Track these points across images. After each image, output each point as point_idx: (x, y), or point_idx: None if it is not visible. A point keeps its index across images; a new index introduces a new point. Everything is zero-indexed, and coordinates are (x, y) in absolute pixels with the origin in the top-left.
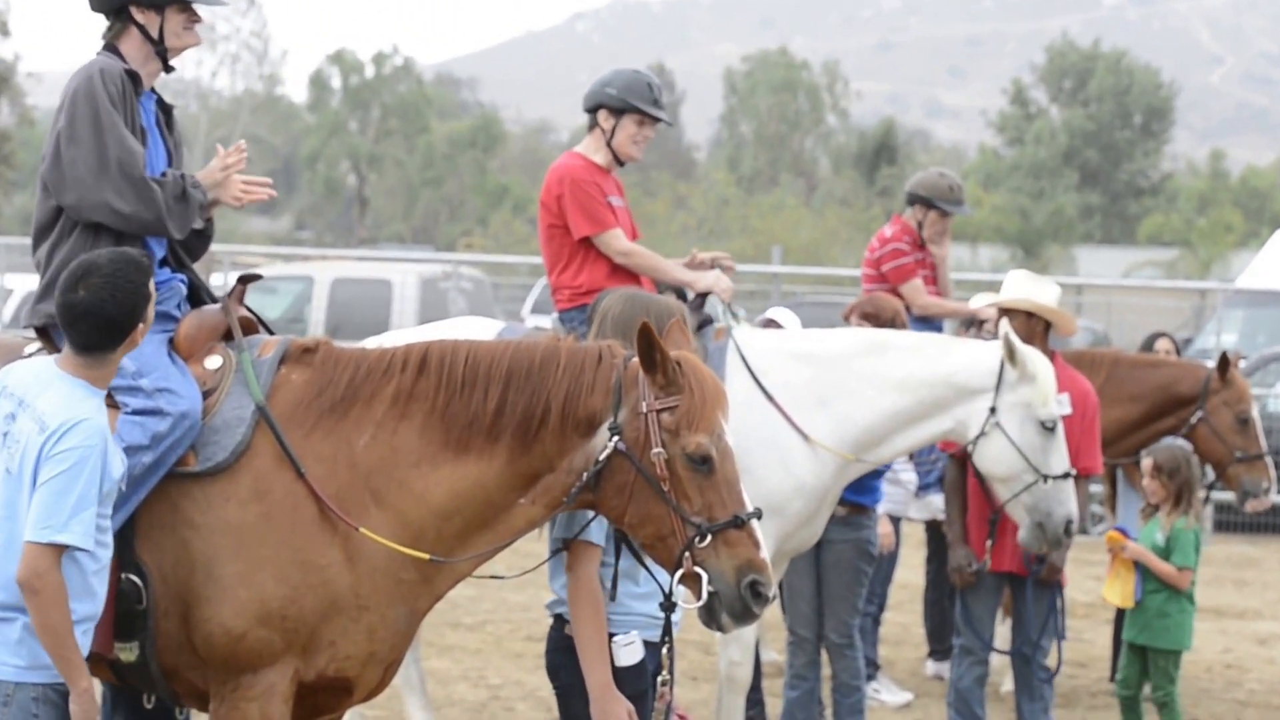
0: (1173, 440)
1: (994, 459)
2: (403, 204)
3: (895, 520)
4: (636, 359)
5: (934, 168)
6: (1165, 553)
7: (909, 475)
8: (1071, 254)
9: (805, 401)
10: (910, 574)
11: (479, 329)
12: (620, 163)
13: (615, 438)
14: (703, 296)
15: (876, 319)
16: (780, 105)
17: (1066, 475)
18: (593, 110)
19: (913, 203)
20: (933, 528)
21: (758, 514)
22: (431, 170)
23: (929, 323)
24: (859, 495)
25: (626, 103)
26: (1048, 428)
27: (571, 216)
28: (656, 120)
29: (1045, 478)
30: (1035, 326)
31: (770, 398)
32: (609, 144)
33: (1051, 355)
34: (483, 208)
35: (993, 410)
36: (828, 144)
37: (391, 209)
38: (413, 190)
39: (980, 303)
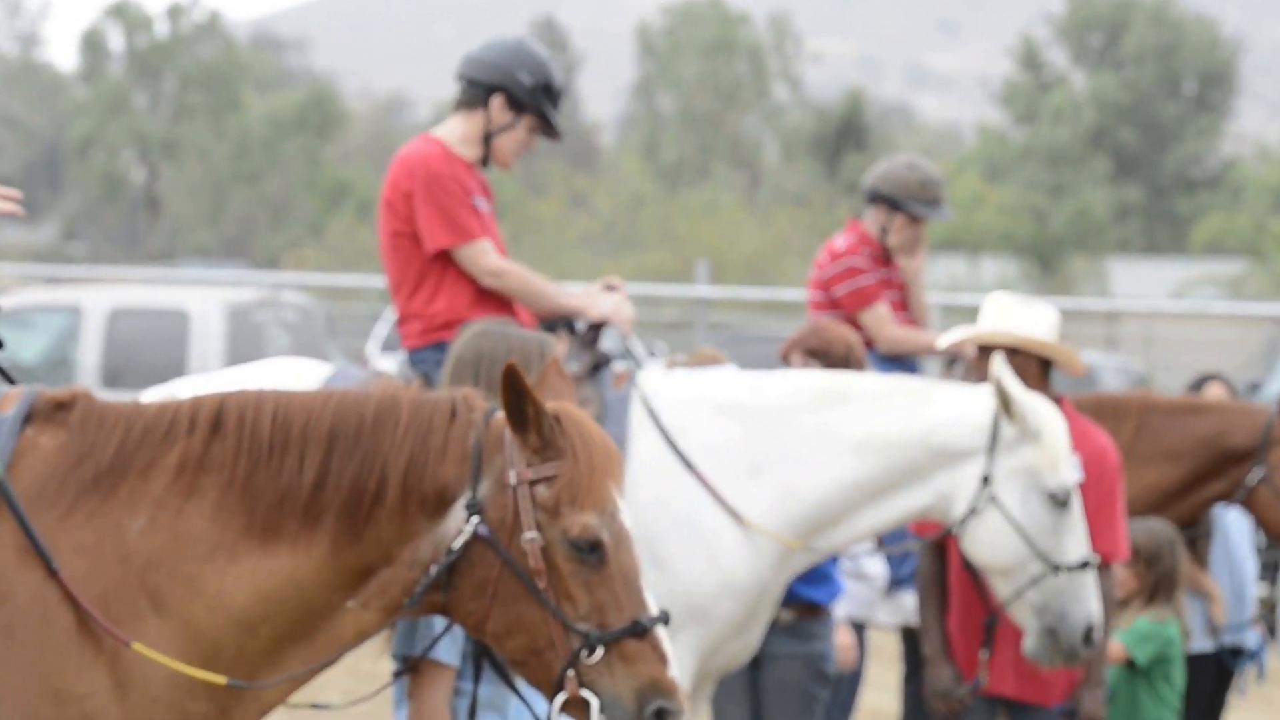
0: (1154, 522)
1: (989, 544)
2: (207, 206)
3: (859, 627)
4: (501, 414)
5: (903, 156)
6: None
7: (876, 567)
8: (1102, 268)
9: (735, 469)
10: (881, 698)
11: (300, 374)
12: (485, 163)
13: (474, 518)
14: (597, 329)
15: (825, 357)
16: (712, 72)
17: (1085, 565)
18: (483, 88)
19: (874, 202)
20: (909, 636)
21: (665, 618)
22: (246, 161)
23: (898, 362)
24: (810, 593)
25: (537, 101)
26: (1059, 501)
27: (425, 222)
28: (553, 134)
29: (1057, 568)
30: (1027, 366)
31: (688, 464)
32: (488, 139)
33: (1058, 402)
34: (316, 211)
35: (986, 480)
36: (776, 123)
37: (192, 213)
38: (221, 188)
39: (951, 338)
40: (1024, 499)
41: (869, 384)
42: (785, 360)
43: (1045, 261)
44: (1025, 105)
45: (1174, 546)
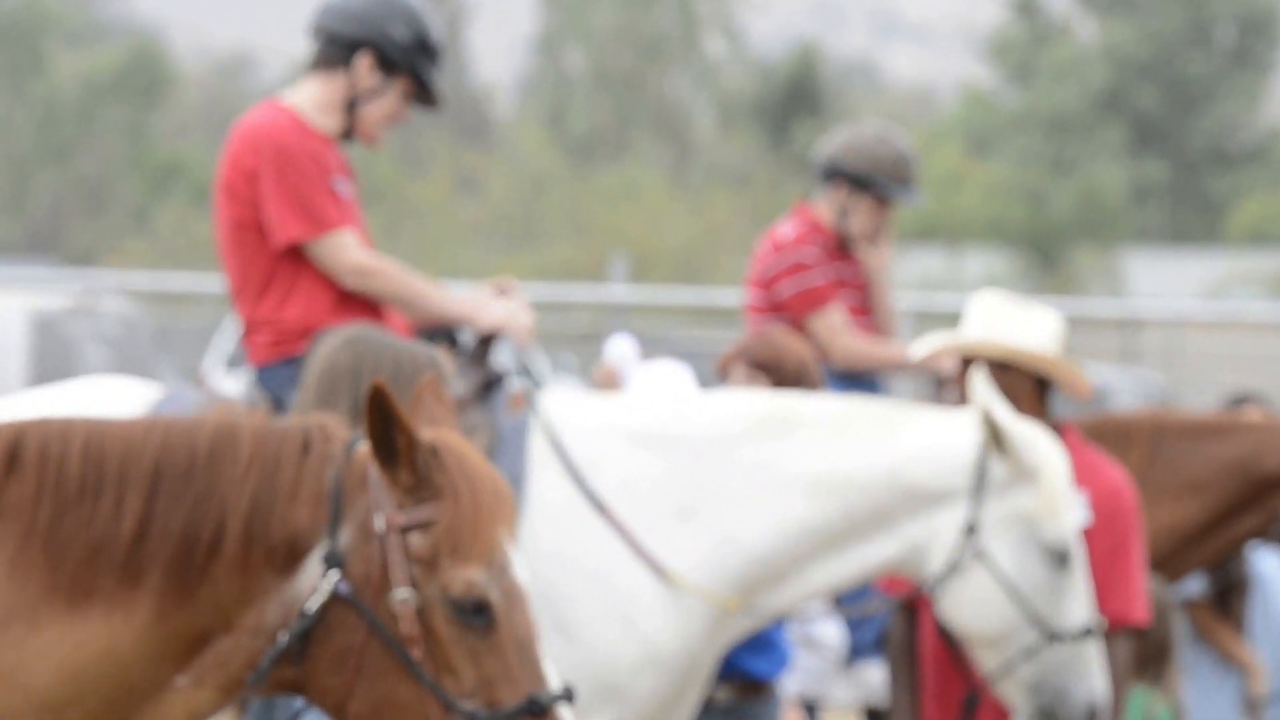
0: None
1: (974, 608)
2: (6, 190)
3: (810, 707)
4: (366, 446)
5: (869, 125)
6: None
7: (831, 633)
8: (1116, 263)
9: (658, 512)
10: None
11: (120, 398)
12: (348, 136)
13: (333, 574)
14: (488, 340)
15: (774, 372)
16: (631, 23)
17: (1088, 632)
18: (345, 44)
19: (831, 181)
20: (873, 717)
21: (570, 696)
22: (54, 133)
23: (857, 380)
24: (752, 665)
25: (411, 61)
26: (1059, 555)
27: (274, 210)
28: (431, 101)
29: (1056, 636)
30: (1020, 385)
31: (601, 506)
32: (351, 106)
33: (1060, 430)
34: (141, 195)
35: (971, 529)
36: (710, 86)
37: None
38: (22, 167)
39: (924, 349)
40: (1018, 553)
41: (822, 409)
42: (724, 375)
43: (1045, 254)
44: (1020, 61)
45: (1167, 613)
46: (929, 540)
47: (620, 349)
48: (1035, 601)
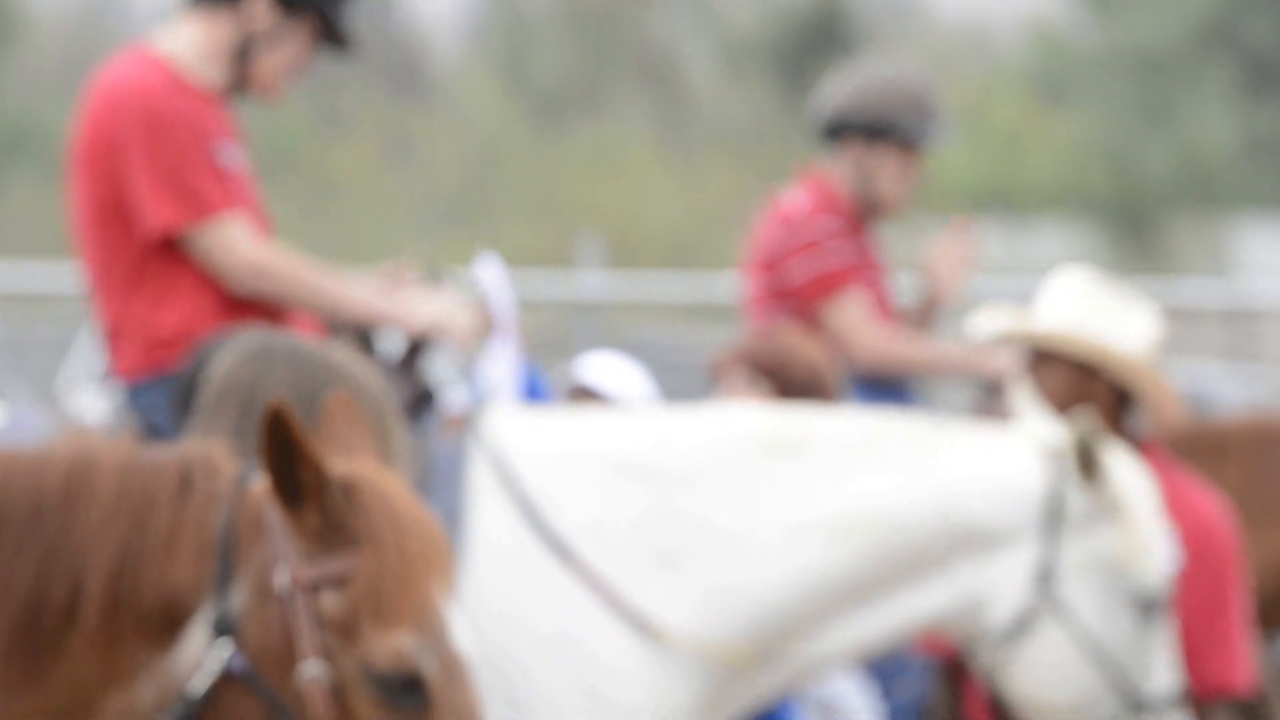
0: None
1: (1046, 672)
2: None
3: None
4: (263, 482)
5: (865, 64)
6: None
7: (853, 699)
8: (1223, 234)
9: (635, 558)
10: None
11: None
12: (238, 89)
13: (223, 643)
14: (418, 347)
15: (778, 379)
16: None
17: (1178, 702)
18: None
19: (838, 136)
20: None
21: None
22: None
23: (887, 387)
24: None
25: None
26: (1146, 605)
27: (143, 188)
28: (343, 43)
29: (1140, 707)
30: (1095, 392)
31: (563, 551)
32: (244, 54)
33: (1147, 450)
34: None
35: (1044, 575)
36: (708, 25)
37: None
38: None
39: (983, 331)
40: (1100, 604)
41: (842, 426)
42: (718, 382)
43: (1134, 226)
44: None
45: (1272, 674)
46: (986, 590)
47: (600, 367)
48: (1120, 663)
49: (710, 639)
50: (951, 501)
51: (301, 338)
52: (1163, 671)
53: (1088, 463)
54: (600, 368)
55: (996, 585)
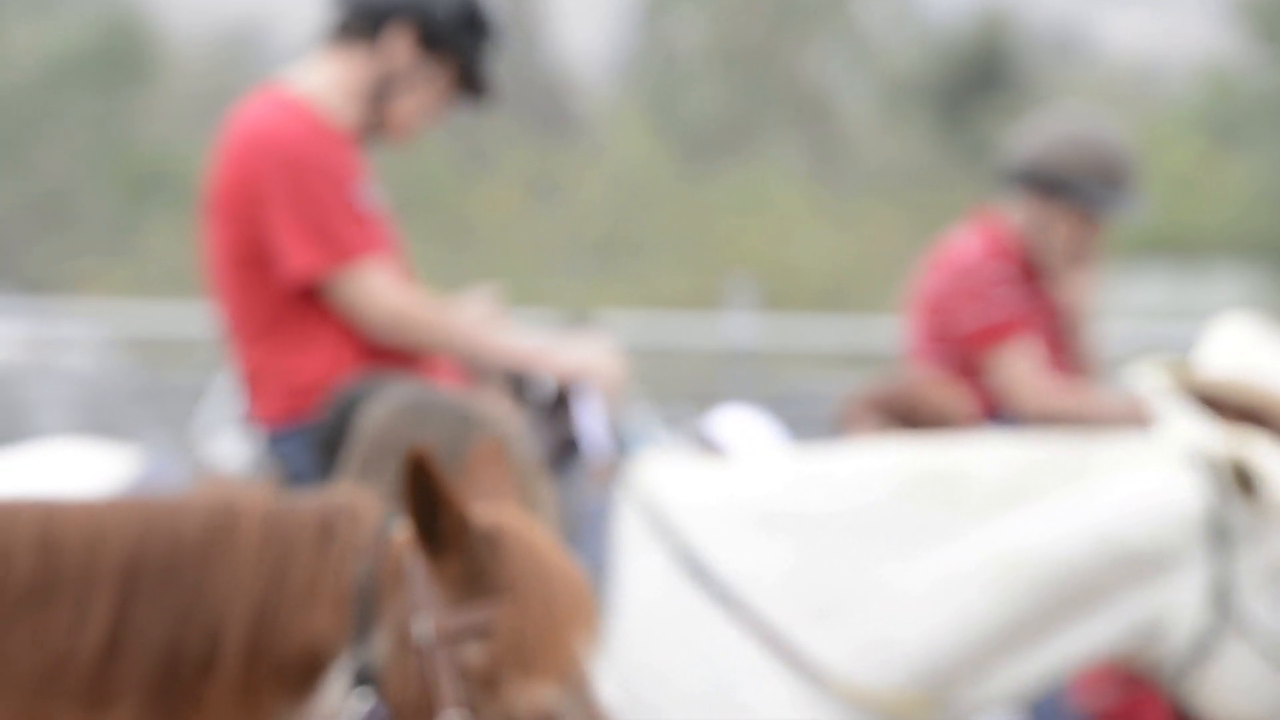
0: None
1: (1241, 691)
2: None
3: None
4: (405, 531)
5: (1072, 115)
6: None
7: None
8: None
9: (795, 608)
10: None
11: (88, 468)
12: (373, 130)
13: (363, 694)
14: (566, 395)
15: (908, 424)
16: None
17: None
18: (375, 15)
19: (1023, 184)
20: None
21: None
22: (3, 122)
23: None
24: None
25: (462, 41)
26: None
27: (282, 233)
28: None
29: None
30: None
31: (731, 602)
32: (379, 96)
33: None
34: (118, 207)
35: (1221, 592)
36: (862, 62)
37: None
38: None
39: (1144, 386)
40: None
41: (989, 459)
42: (846, 429)
43: None
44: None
45: None
46: (1161, 616)
47: (729, 421)
48: None
49: (877, 689)
50: (1109, 531)
51: (448, 389)
52: None
53: (1245, 473)
54: (729, 422)
55: (1171, 610)
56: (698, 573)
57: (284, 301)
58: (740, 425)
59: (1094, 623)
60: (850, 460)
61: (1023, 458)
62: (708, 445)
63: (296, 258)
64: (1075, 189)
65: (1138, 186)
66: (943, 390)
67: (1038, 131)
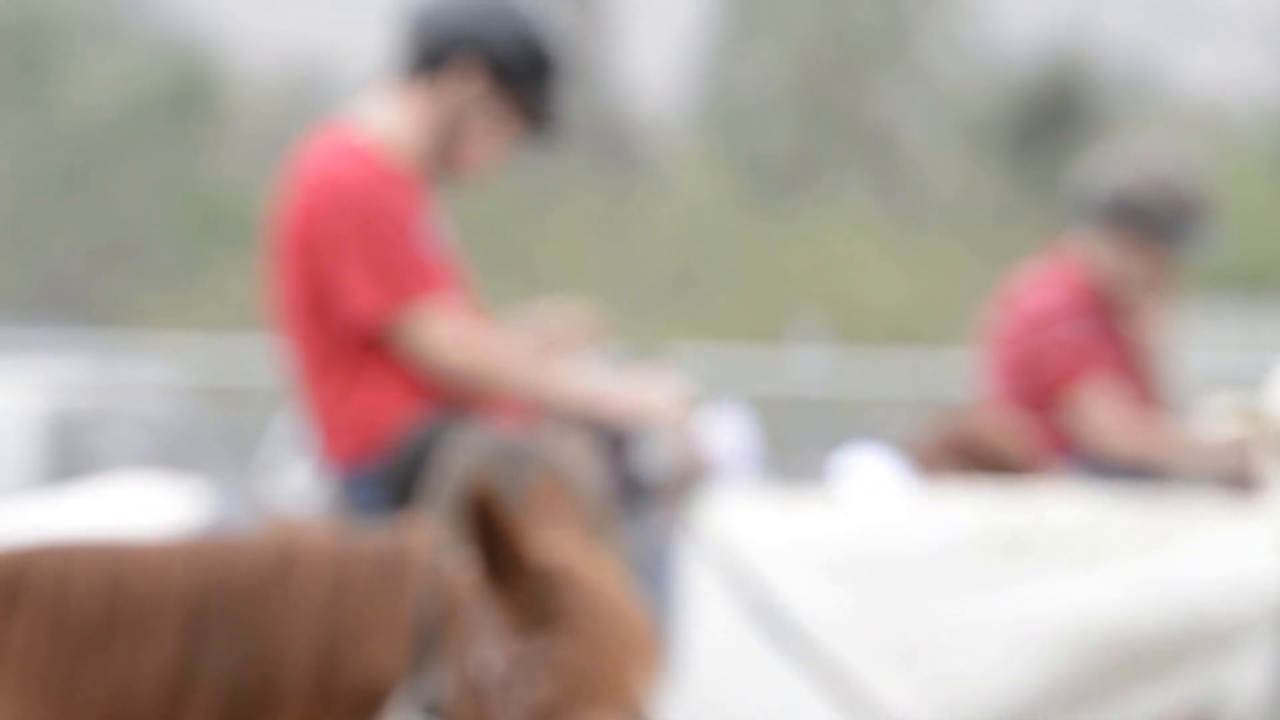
0: None
1: None
2: (8, 234)
3: None
4: (463, 566)
5: (1151, 150)
6: None
7: None
8: None
9: (862, 651)
10: None
11: (155, 505)
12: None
13: None
14: (630, 434)
15: (978, 460)
16: (832, 21)
17: None
18: (441, 51)
19: (1102, 220)
20: None
21: None
22: (74, 159)
23: (1120, 472)
24: None
25: (528, 80)
26: None
27: (348, 277)
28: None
29: None
30: None
31: (804, 645)
32: (448, 136)
33: None
34: (185, 244)
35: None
36: (933, 96)
37: None
38: (29, 204)
39: (1219, 416)
40: None
41: (1067, 518)
42: (914, 468)
43: None
44: None
45: None
46: (1221, 691)
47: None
48: None
49: None
50: (1182, 603)
51: (524, 433)
52: None
53: None
54: (856, 463)
55: (1232, 687)
56: (766, 613)
57: (350, 342)
58: (867, 466)
59: (1157, 690)
60: (930, 508)
61: (1101, 520)
62: (834, 484)
63: (360, 300)
64: (1152, 222)
65: (1211, 220)
66: (1011, 433)
67: (1112, 164)
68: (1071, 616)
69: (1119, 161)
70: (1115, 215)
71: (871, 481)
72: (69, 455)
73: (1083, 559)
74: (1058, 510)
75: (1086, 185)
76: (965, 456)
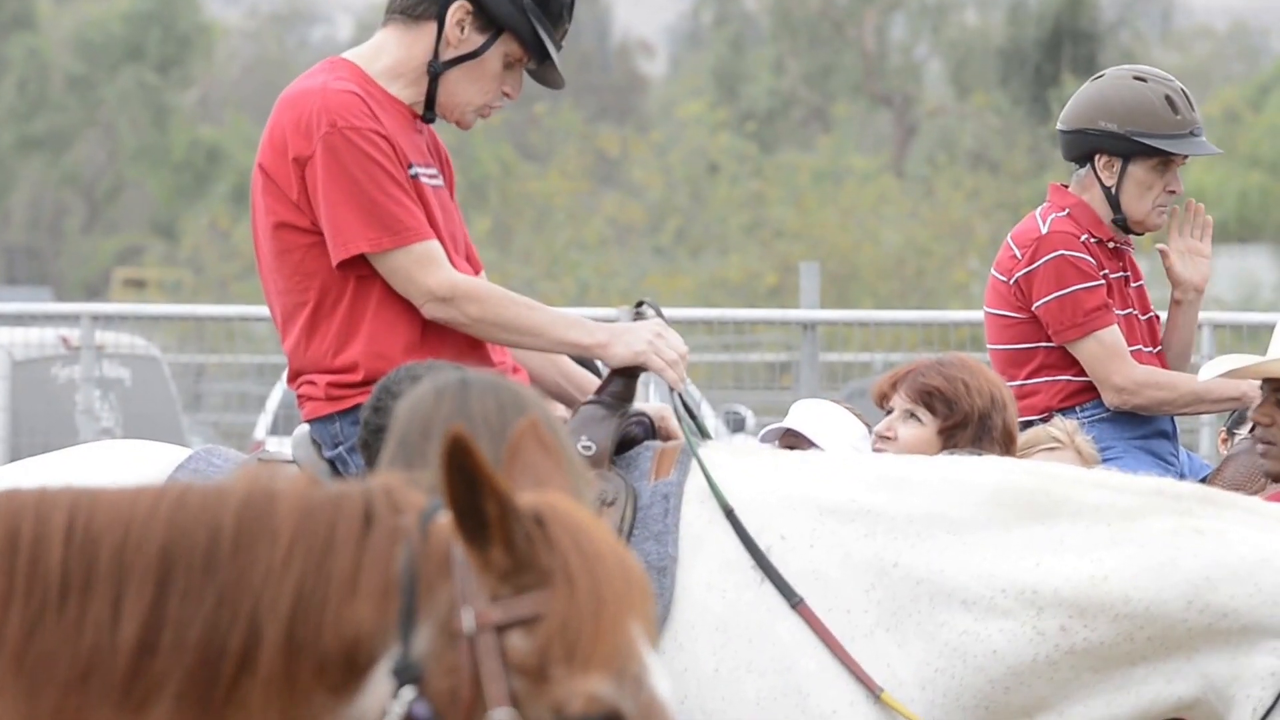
0: None
1: None
2: None
3: None
4: (446, 517)
5: (1118, 69)
6: None
7: None
8: None
9: (860, 611)
10: None
11: (135, 464)
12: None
13: (407, 691)
14: (627, 376)
15: (939, 409)
16: None
17: None
18: None
19: (1088, 153)
20: None
21: None
22: (52, 113)
23: (1145, 423)
24: None
25: (526, 16)
26: None
27: (332, 211)
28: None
29: None
30: None
31: (791, 599)
32: (437, 73)
33: None
34: (165, 196)
35: None
36: (938, 33)
37: None
38: (5, 160)
39: (1215, 369)
40: None
41: (1104, 498)
42: (880, 405)
43: None
44: None
45: None
46: (1231, 686)
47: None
48: None
49: (934, 707)
50: (1207, 590)
51: (492, 373)
52: None
53: None
54: (811, 414)
55: (1242, 682)
56: (760, 565)
57: (332, 282)
58: (825, 418)
59: (1168, 677)
60: (939, 467)
61: (1138, 503)
62: (791, 437)
63: (347, 237)
64: (1143, 138)
65: (1198, 124)
66: (985, 372)
67: (1086, 94)
68: (1088, 588)
69: (1084, 90)
70: (1092, 135)
71: (833, 432)
72: (44, 419)
73: (1110, 540)
74: (1086, 483)
75: (1064, 115)
76: (922, 394)
